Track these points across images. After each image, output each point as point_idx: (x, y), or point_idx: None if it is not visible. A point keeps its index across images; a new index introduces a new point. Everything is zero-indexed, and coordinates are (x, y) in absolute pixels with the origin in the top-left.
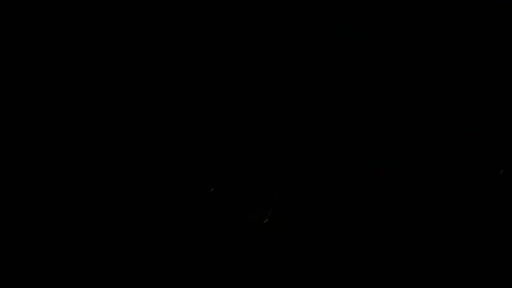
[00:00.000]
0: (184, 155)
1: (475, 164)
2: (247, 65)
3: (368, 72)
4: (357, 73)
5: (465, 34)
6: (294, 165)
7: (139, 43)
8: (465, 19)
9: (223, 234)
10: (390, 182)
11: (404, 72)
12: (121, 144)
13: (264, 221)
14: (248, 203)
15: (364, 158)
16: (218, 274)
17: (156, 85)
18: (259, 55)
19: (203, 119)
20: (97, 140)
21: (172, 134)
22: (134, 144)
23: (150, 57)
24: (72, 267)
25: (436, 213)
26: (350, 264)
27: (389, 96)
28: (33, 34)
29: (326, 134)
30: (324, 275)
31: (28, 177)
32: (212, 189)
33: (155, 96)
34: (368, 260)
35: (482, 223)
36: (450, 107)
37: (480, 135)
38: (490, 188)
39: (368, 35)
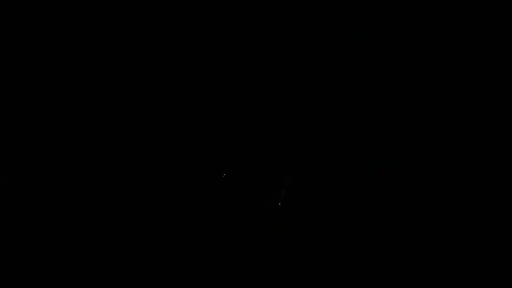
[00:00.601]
0: (196, 146)
1: (475, 164)
2: (255, 64)
3: (368, 72)
4: (358, 73)
5: (465, 34)
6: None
7: (140, 43)
8: (464, 19)
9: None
10: (390, 181)
11: (404, 72)
12: (131, 135)
13: (279, 204)
14: (263, 188)
15: (364, 158)
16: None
17: (157, 81)
18: (271, 54)
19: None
20: (99, 137)
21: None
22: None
23: (156, 55)
24: (72, 267)
25: (436, 213)
26: (349, 261)
27: (390, 96)
28: (33, 34)
29: (327, 133)
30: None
31: (28, 176)
32: (225, 174)
33: (159, 91)
34: (367, 256)
35: (482, 223)
36: (449, 107)
37: (480, 135)
38: (490, 188)
39: (368, 35)
